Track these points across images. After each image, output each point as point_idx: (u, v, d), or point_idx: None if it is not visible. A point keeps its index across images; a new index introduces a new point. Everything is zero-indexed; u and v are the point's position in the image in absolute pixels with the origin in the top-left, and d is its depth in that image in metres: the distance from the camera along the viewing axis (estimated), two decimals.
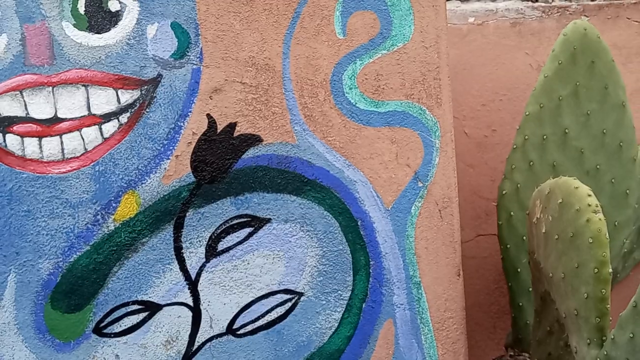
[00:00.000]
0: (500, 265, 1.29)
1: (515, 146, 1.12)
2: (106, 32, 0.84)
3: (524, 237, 1.11)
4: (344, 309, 0.92)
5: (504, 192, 1.13)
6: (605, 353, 0.75)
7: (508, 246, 1.14)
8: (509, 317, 1.31)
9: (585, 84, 1.09)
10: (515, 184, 1.12)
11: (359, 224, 0.92)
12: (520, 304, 1.16)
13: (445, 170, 0.95)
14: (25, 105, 0.83)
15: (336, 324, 0.92)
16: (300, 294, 0.91)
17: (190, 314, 0.88)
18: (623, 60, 1.48)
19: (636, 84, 1.51)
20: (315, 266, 0.91)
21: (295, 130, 0.89)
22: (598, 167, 1.11)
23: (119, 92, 0.85)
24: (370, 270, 0.93)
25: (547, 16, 1.48)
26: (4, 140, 0.83)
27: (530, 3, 1.50)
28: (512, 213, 1.12)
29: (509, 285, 1.17)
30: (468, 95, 1.48)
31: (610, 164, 1.12)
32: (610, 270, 0.74)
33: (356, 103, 0.91)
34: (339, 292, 0.92)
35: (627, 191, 1.14)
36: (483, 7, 1.50)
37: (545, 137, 1.10)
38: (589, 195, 0.77)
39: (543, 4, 1.50)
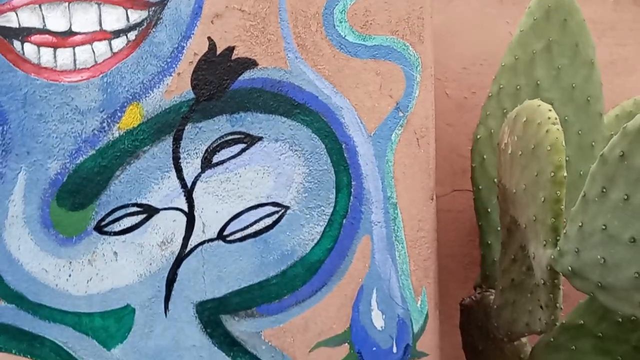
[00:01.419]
0: (475, 220, 1.38)
1: (490, 94, 1.21)
2: None
3: (495, 180, 1.20)
4: (326, 224, 1.00)
5: (478, 136, 1.22)
6: (558, 249, 0.84)
7: (480, 187, 1.23)
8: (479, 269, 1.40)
9: (558, 40, 1.19)
10: (489, 129, 1.21)
11: (343, 147, 1.00)
12: (489, 242, 1.25)
13: (424, 102, 1.04)
14: (43, 18, 0.90)
15: (318, 237, 1.00)
16: (287, 208, 0.98)
17: (184, 219, 0.96)
18: (598, 35, 1.58)
19: (610, 57, 1.62)
20: (301, 183, 0.99)
21: (289, 57, 0.98)
22: (566, 118, 1.21)
23: (129, 11, 0.93)
24: (352, 190, 1.01)
25: None
26: (22, 49, 0.90)
27: None
28: (484, 156, 1.21)
29: (480, 224, 1.27)
30: (450, 59, 1.57)
31: (578, 116, 1.22)
32: (565, 174, 0.83)
33: (345, 36, 0.99)
34: (322, 207, 1.00)
35: (593, 143, 1.23)
36: None
37: (518, 87, 1.19)
38: (550, 110, 0.86)
39: None
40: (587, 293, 0.82)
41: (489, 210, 1.23)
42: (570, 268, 0.81)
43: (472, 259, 1.56)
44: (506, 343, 1.19)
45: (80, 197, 0.92)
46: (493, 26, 1.55)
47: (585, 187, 0.81)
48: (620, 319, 0.97)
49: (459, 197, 1.56)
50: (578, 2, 1.32)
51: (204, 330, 0.96)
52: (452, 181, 1.56)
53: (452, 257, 1.57)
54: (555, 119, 0.85)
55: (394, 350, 1.03)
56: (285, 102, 0.98)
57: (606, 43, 1.60)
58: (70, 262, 0.93)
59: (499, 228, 1.22)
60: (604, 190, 0.74)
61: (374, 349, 1.02)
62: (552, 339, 1.08)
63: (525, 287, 1.05)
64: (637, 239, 0.68)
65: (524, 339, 1.19)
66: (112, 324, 0.93)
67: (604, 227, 0.73)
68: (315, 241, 0.99)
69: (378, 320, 1.02)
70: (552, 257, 0.85)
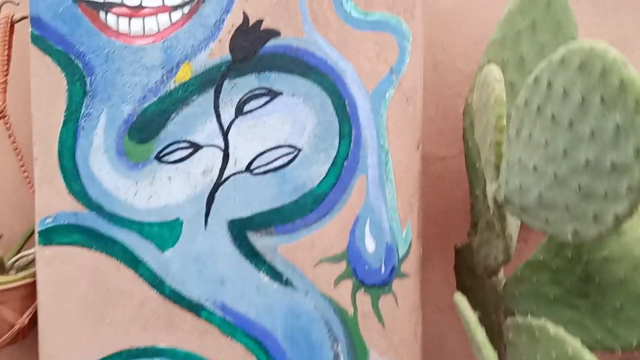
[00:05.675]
0: None
1: (480, 65, 1.40)
2: None
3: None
4: (330, 164, 1.24)
5: (469, 101, 1.42)
6: (497, 182, 1.04)
7: (469, 145, 1.43)
8: None
9: (542, 18, 1.36)
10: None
11: (346, 102, 1.24)
12: (477, 193, 1.45)
13: (414, 68, 1.26)
14: None
15: (324, 174, 1.24)
16: (300, 150, 1.24)
17: (221, 154, 1.23)
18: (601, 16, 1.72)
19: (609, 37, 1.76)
20: (312, 130, 1.24)
21: (305, 29, 1.22)
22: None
23: None
24: (352, 138, 1.25)
25: None
26: (106, 18, 1.21)
27: None
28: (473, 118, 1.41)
29: (469, 177, 1.47)
30: (461, 36, 1.76)
31: None
32: (505, 122, 1.03)
33: (350, 12, 1.23)
34: (328, 151, 1.25)
35: None
36: None
37: (505, 59, 1.38)
38: (497, 72, 1.06)
39: None
40: (516, 216, 1.02)
41: (477, 165, 1.44)
42: (503, 196, 1.02)
43: None
44: (486, 279, 1.40)
45: (145, 133, 1.22)
46: (501, 6, 1.73)
47: (509, 129, 1.01)
48: (569, 254, 1.17)
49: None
50: None
51: (233, 242, 1.23)
52: (460, 145, 1.76)
53: (457, 212, 1.78)
54: (500, 78, 1.05)
55: (382, 270, 1.27)
56: (301, 65, 1.22)
57: (607, 24, 1.74)
58: (136, 183, 1.22)
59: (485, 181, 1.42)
60: (517, 130, 0.94)
61: (366, 267, 1.27)
62: (518, 273, 1.29)
63: (495, 226, 1.26)
64: (537, 167, 0.88)
65: (500, 275, 1.40)
66: (166, 232, 1.23)
67: (519, 159, 0.93)
68: (322, 177, 1.24)
69: (370, 245, 1.27)
70: (495, 189, 1.05)
